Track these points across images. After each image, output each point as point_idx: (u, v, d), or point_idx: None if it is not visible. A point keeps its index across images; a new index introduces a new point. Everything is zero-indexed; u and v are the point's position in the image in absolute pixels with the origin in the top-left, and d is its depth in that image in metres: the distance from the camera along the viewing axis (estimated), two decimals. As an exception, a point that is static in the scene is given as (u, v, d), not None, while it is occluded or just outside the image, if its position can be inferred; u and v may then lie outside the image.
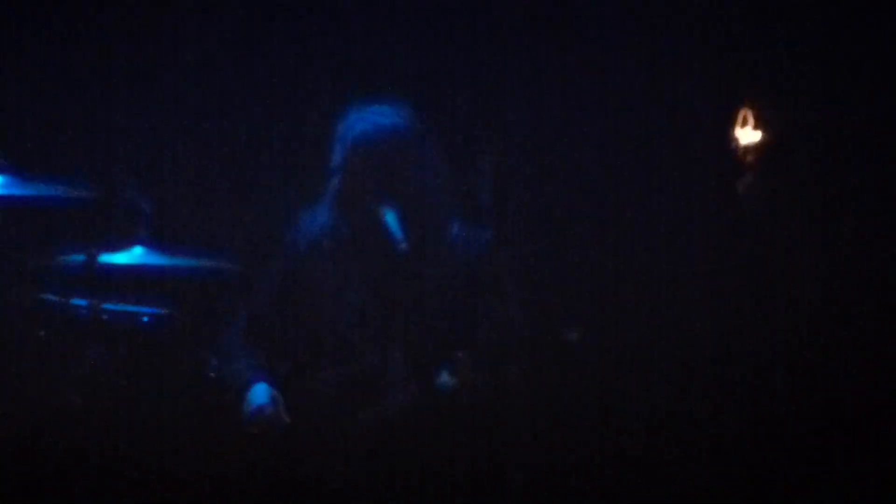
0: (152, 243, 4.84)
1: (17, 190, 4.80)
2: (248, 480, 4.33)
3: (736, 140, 4.89)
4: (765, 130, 4.90)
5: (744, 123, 4.90)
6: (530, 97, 5.08)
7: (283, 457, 4.27)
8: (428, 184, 4.38)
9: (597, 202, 5.05)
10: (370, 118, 4.40)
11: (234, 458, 4.32)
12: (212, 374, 4.49)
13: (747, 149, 4.87)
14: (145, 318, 4.79)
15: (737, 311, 4.87)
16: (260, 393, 4.26)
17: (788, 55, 4.98)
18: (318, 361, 4.35)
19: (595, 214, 5.03)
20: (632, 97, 4.97)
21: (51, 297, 4.78)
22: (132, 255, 4.82)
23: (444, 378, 4.19)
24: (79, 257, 4.79)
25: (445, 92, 4.99)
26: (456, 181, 4.58)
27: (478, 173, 4.92)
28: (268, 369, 4.34)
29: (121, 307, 4.80)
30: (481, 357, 4.27)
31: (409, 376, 4.24)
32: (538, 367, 4.49)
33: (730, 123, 4.92)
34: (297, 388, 4.34)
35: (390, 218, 4.24)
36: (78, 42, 5.03)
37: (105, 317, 4.75)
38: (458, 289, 4.32)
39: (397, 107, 4.47)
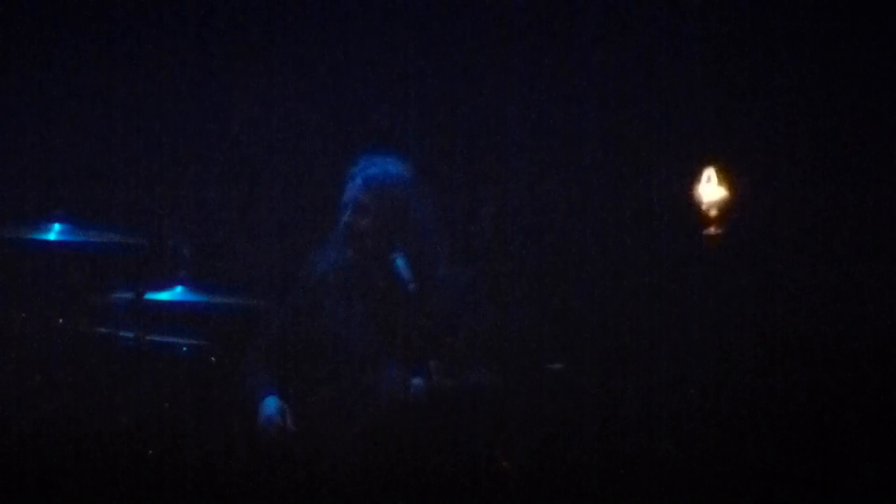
0: (191, 283, 5.02)
1: (76, 237, 4.94)
2: (261, 483, 4.50)
3: (700, 196, 4.85)
4: (727, 188, 4.85)
5: (708, 180, 4.86)
6: (524, 156, 5.25)
7: (290, 460, 4.43)
8: (425, 227, 4.60)
9: (582, 238, 5.14)
10: (380, 164, 4.62)
11: (252, 463, 4.50)
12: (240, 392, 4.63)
13: (711, 204, 4.82)
14: (184, 349, 4.98)
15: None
16: (270, 405, 4.46)
17: (750, 117, 5.10)
18: (323, 378, 4.53)
19: (581, 250, 5.13)
20: (610, 154, 5.15)
21: (103, 329, 4.96)
22: (174, 294, 4.99)
23: (417, 381, 4.38)
24: (127, 295, 4.96)
25: (449, 149, 5.20)
26: (448, 227, 4.76)
27: (477, 221, 5.18)
28: (279, 386, 4.52)
29: (163, 339, 4.99)
30: (452, 364, 4.44)
31: (400, 389, 4.41)
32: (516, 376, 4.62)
33: (696, 180, 4.88)
34: (305, 401, 4.52)
35: (400, 262, 4.46)
36: (132, 113, 5.26)
37: (149, 347, 4.94)
38: (445, 316, 4.49)
39: (403, 159, 4.66)
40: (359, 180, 4.61)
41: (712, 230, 4.85)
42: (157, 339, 4.96)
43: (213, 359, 4.94)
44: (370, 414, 4.43)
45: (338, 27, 5.22)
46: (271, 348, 4.60)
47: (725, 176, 4.89)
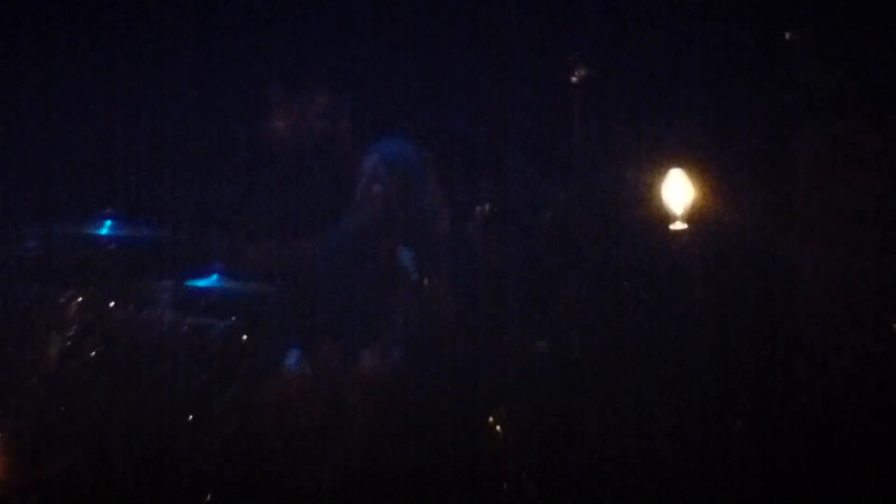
0: (225, 272, 5.17)
1: (125, 232, 5.17)
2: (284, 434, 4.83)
3: (668, 195, 5.12)
4: (692, 188, 5.10)
5: (675, 181, 5.14)
6: (515, 157, 5.35)
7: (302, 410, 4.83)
8: (430, 204, 4.97)
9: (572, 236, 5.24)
10: (397, 146, 5.02)
11: (277, 420, 4.83)
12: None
13: (678, 202, 5.10)
14: (219, 328, 5.12)
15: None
16: (291, 356, 4.94)
17: (712, 125, 5.18)
18: (332, 334, 4.93)
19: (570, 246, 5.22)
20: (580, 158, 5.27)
21: (149, 312, 5.13)
22: (209, 281, 5.15)
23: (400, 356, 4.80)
24: (169, 282, 5.16)
25: (452, 146, 5.28)
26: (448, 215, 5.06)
27: (473, 217, 5.27)
28: (298, 342, 4.93)
29: (201, 320, 5.14)
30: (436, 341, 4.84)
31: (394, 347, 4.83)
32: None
33: (665, 181, 5.13)
34: (317, 354, 4.93)
35: (405, 255, 4.86)
36: (169, 122, 5.31)
37: (187, 328, 5.12)
38: (441, 299, 4.88)
39: (415, 146, 5.05)
40: (375, 154, 4.97)
41: (679, 225, 5.14)
42: (196, 320, 5.13)
43: (244, 336, 5.09)
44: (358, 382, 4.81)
45: (360, 27, 5.28)
46: (294, 313, 4.95)
47: (690, 177, 5.18)
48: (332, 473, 4.76)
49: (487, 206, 5.27)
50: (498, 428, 4.91)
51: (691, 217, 5.13)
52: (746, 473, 4.83)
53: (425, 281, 4.90)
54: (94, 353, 5.05)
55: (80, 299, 5.09)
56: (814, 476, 4.75)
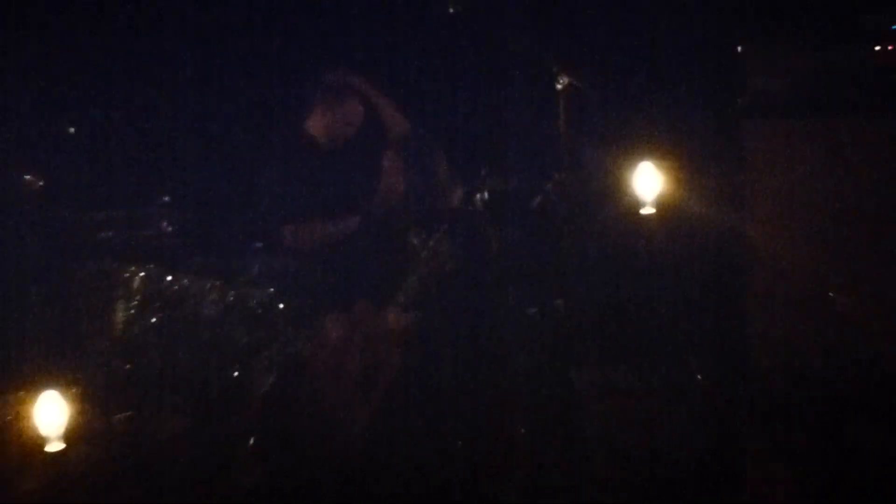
0: (264, 249, 5.43)
1: (180, 215, 5.51)
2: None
3: (639, 182, 5.35)
4: (661, 176, 5.33)
5: (645, 170, 5.35)
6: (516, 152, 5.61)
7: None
8: (435, 188, 5.27)
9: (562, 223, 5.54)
10: (411, 137, 5.24)
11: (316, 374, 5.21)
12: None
13: (647, 189, 5.34)
14: (258, 298, 5.39)
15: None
16: (326, 321, 5.26)
17: (679, 120, 5.45)
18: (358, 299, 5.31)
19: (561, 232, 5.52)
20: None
21: (199, 284, 5.42)
22: (251, 257, 5.40)
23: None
24: (217, 258, 5.45)
25: (458, 139, 5.49)
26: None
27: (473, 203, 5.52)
28: (330, 307, 5.23)
29: (243, 290, 5.42)
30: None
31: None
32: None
33: (636, 170, 5.34)
34: (347, 316, 5.27)
35: (415, 238, 5.25)
36: (212, 115, 5.49)
37: (232, 298, 5.40)
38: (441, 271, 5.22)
39: (428, 138, 5.29)
40: (391, 143, 5.27)
41: (648, 210, 5.41)
42: (240, 290, 5.43)
43: (280, 305, 5.43)
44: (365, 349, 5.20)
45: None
46: (324, 284, 5.27)
47: (659, 166, 5.42)
48: (362, 418, 5.24)
49: (487, 192, 5.60)
50: (496, 374, 5.34)
51: (659, 203, 5.44)
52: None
53: (434, 254, 5.28)
54: (154, 320, 5.46)
55: (143, 274, 5.47)
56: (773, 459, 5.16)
